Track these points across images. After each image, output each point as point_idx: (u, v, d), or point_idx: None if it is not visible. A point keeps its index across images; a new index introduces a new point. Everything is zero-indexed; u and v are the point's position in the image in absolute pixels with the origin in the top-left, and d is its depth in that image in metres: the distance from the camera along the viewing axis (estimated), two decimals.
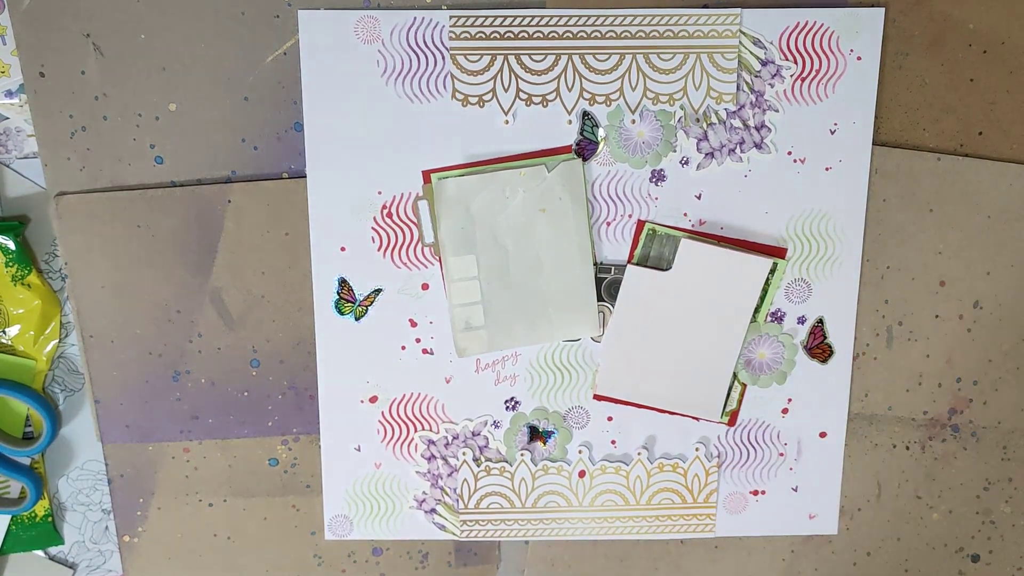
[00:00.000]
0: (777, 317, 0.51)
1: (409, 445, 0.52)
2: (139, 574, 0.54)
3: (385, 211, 0.49)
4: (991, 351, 0.52)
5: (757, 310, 0.51)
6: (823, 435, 0.53)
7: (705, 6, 0.48)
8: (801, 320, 0.51)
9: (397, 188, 0.49)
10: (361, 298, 0.50)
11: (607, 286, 0.50)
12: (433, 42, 0.48)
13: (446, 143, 0.49)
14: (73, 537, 0.54)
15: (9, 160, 0.50)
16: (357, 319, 0.51)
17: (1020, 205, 0.51)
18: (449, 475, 0.53)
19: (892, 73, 0.49)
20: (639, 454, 0.53)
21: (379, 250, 0.50)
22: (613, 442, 0.53)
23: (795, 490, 0.53)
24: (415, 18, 0.47)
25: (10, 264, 0.50)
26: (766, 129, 0.49)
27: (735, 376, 0.52)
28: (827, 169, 0.49)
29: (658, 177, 0.49)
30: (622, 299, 0.50)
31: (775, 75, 0.48)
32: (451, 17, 0.47)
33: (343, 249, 0.50)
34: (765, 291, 0.51)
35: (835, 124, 0.49)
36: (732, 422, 0.52)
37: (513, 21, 0.47)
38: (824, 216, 0.50)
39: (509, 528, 0.53)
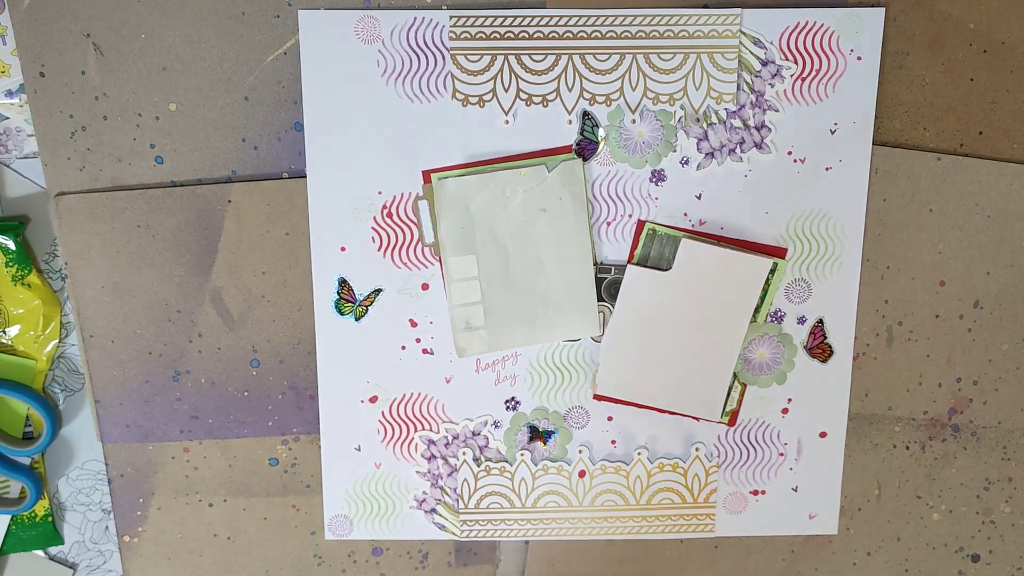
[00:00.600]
0: (777, 317, 0.51)
1: (409, 445, 0.52)
2: (139, 574, 0.54)
3: (385, 211, 0.49)
4: (991, 351, 0.52)
5: (757, 310, 0.51)
6: (823, 435, 0.53)
7: (705, 6, 0.48)
8: (801, 320, 0.51)
9: (397, 188, 0.49)
10: (361, 298, 0.50)
11: (607, 286, 0.50)
12: (433, 42, 0.48)
13: (446, 143, 0.49)
14: (73, 537, 0.54)
15: (9, 160, 0.50)
16: (357, 319, 0.51)
17: (1020, 205, 0.51)
18: (449, 475, 0.53)
19: (892, 73, 0.49)
20: (639, 454, 0.53)
21: (379, 250, 0.50)
22: (613, 442, 0.53)
23: (795, 490, 0.53)
24: (415, 18, 0.47)
25: (10, 264, 0.50)
26: (766, 129, 0.49)
27: (735, 376, 0.52)
28: (827, 169, 0.49)
29: (658, 177, 0.49)
30: (622, 299, 0.50)
31: (775, 75, 0.48)
32: (451, 17, 0.47)
33: (343, 249, 0.50)
34: (765, 291, 0.51)
35: (835, 124, 0.49)
36: (732, 422, 0.52)
37: (513, 21, 0.47)
38: (824, 216, 0.50)
39: (509, 528, 0.53)
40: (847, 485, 0.54)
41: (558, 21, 0.47)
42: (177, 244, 0.50)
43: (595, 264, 0.50)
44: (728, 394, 0.52)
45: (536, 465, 0.53)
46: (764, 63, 0.48)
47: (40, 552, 0.54)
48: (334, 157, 0.49)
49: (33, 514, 0.53)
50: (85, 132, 0.49)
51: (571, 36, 0.48)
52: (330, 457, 0.52)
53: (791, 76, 0.48)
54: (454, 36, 0.48)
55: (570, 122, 0.49)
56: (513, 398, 0.52)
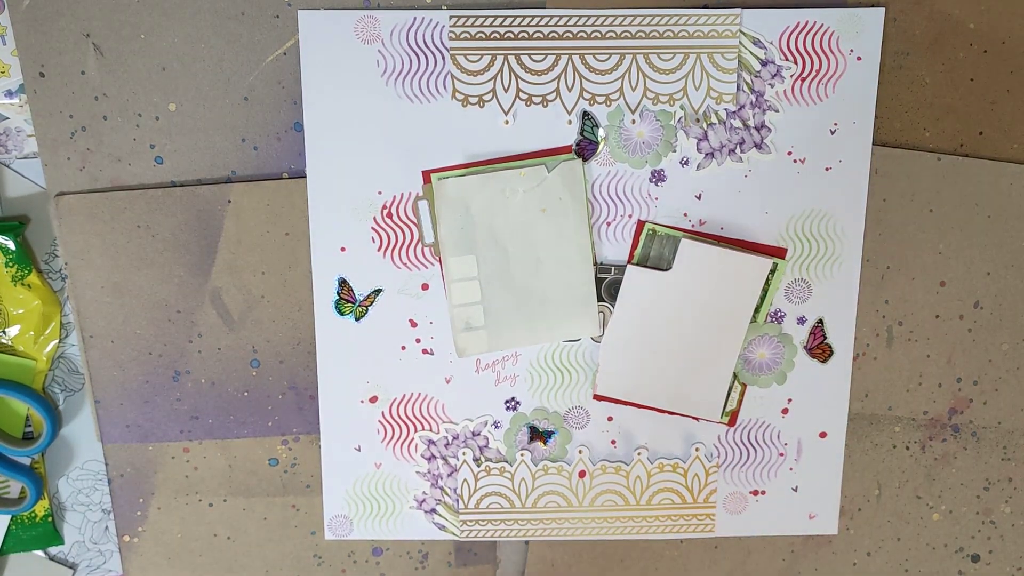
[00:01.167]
0: (777, 317, 0.51)
1: (409, 445, 0.52)
2: (139, 574, 0.54)
3: (385, 211, 0.49)
4: (991, 351, 0.52)
5: (757, 310, 0.51)
6: (823, 435, 0.53)
7: (705, 6, 0.48)
8: (801, 320, 0.51)
9: (397, 188, 0.49)
10: (361, 298, 0.50)
11: (607, 286, 0.50)
12: (433, 42, 0.48)
13: (446, 143, 0.49)
14: (73, 537, 0.54)
15: (9, 160, 0.50)
16: (357, 319, 0.51)
17: (1020, 205, 0.51)
18: (449, 475, 0.53)
19: (892, 73, 0.49)
20: (639, 454, 0.53)
21: (379, 250, 0.50)
22: (613, 442, 0.53)
23: (795, 490, 0.53)
24: (415, 18, 0.47)
25: (10, 264, 0.50)
26: (766, 129, 0.49)
27: (735, 376, 0.52)
28: (827, 169, 0.49)
29: (658, 177, 0.49)
30: (622, 299, 0.50)
31: (775, 75, 0.48)
32: (451, 17, 0.47)
33: (343, 249, 0.50)
34: (765, 291, 0.51)
35: (835, 124, 0.49)
36: (732, 422, 0.52)
37: (513, 21, 0.47)
38: (824, 216, 0.50)
39: (509, 528, 0.53)
40: (847, 485, 0.54)
41: (558, 21, 0.47)
42: (177, 244, 0.50)
43: (595, 264, 0.50)
44: (728, 394, 0.52)
45: (536, 465, 0.53)
46: (764, 63, 0.48)
47: (40, 552, 0.55)
48: (334, 157, 0.49)
49: (33, 514, 0.53)
50: (85, 132, 0.49)
51: (571, 36, 0.48)
52: (330, 457, 0.52)
53: (791, 76, 0.48)
54: (454, 36, 0.48)
55: (570, 122, 0.49)
56: (513, 398, 0.52)
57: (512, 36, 0.48)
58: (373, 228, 0.50)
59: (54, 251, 0.51)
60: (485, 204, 0.49)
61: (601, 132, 0.49)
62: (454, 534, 0.53)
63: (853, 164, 0.49)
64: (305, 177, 0.49)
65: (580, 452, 0.53)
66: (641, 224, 0.50)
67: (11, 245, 0.50)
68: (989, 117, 0.50)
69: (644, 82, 0.48)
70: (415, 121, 0.48)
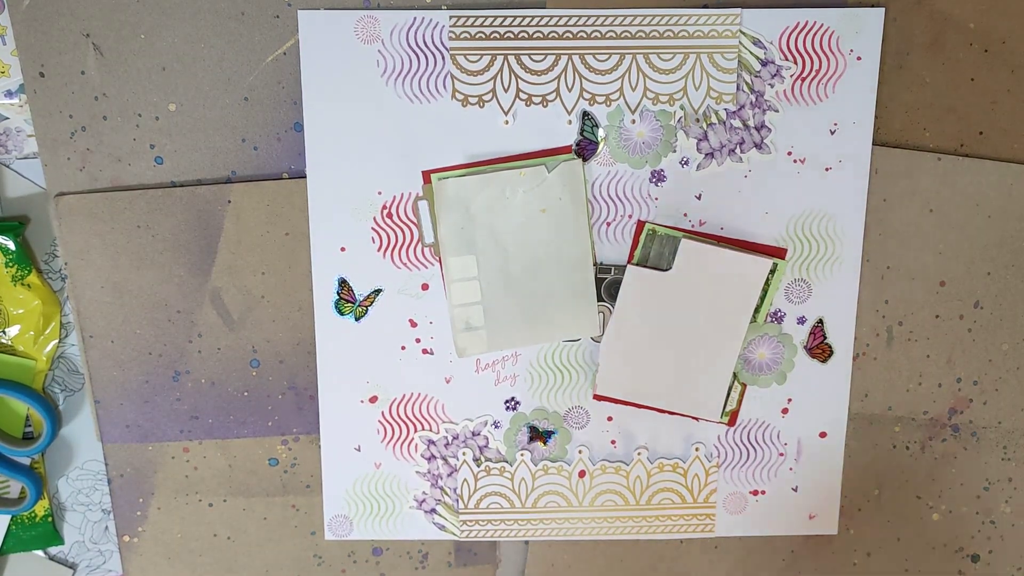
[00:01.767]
0: (777, 317, 0.51)
1: (409, 445, 0.52)
2: (139, 574, 0.54)
3: (385, 211, 0.49)
4: (991, 351, 0.52)
5: (757, 310, 0.51)
6: (823, 435, 0.53)
7: (705, 6, 0.48)
8: (801, 320, 0.51)
9: (397, 188, 0.49)
10: (361, 298, 0.50)
11: (607, 286, 0.50)
12: (433, 42, 0.48)
13: (446, 143, 0.49)
14: (73, 537, 0.54)
15: (9, 160, 0.50)
16: (357, 319, 0.51)
17: (1020, 205, 0.51)
18: (449, 475, 0.53)
19: (892, 73, 0.49)
20: (639, 454, 0.53)
21: (379, 250, 0.50)
22: (613, 442, 0.53)
23: (795, 490, 0.53)
24: (415, 18, 0.47)
25: (10, 264, 0.50)
26: (766, 129, 0.49)
27: (735, 376, 0.52)
28: (827, 169, 0.49)
29: (658, 177, 0.49)
30: (622, 299, 0.50)
31: (775, 75, 0.48)
32: (451, 17, 0.47)
33: (343, 249, 0.50)
34: (765, 291, 0.51)
35: (835, 124, 0.49)
36: (732, 422, 0.52)
37: (513, 21, 0.47)
38: (824, 216, 0.50)
39: (509, 528, 0.53)
40: (847, 485, 0.54)
41: (558, 21, 0.47)
42: (177, 244, 0.50)
43: (595, 264, 0.50)
44: (728, 394, 0.52)
45: (536, 465, 0.53)
46: (764, 63, 0.48)
47: (40, 552, 0.55)
48: (334, 157, 0.49)
49: (33, 514, 0.53)
50: (85, 132, 0.49)
51: (571, 36, 0.48)
52: (330, 457, 0.52)
53: (791, 76, 0.48)
54: (454, 36, 0.48)
55: (570, 122, 0.49)
56: (513, 398, 0.52)
57: (512, 36, 0.48)
58: (373, 228, 0.50)
59: (54, 251, 0.51)
60: (485, 204, 0.49)
61: (601, 132, 0.49)
62: (454, 534, 0.53)
63: (853, 164, 0.49)
64: (305, 177, 0.49)
65: (580, 452, 0.53)
66: (641, 224, 0.50)
67: (11, 245, 0.50)
68: (989, 117, 0.50)
69: (644, 82, 0.48)
70: (415, 121, 0.48)
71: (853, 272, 0.51)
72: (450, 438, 0.52)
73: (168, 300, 0.51)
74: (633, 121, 0.49)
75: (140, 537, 0.54)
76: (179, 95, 0.49)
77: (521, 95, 0.48)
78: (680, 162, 0.49)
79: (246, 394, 0.52)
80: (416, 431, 0.52)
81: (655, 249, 0.50)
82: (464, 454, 0.52)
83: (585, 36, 0.48)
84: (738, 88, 0.48)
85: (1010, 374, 0.53)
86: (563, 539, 0.54)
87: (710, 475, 0.53)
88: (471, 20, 0.47)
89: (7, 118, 0.50)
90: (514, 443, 0.52)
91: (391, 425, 0.52)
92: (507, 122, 0.48)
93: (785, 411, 0.52)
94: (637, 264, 0.50)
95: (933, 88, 0.49)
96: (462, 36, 0.48)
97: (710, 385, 0.51)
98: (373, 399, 0.52)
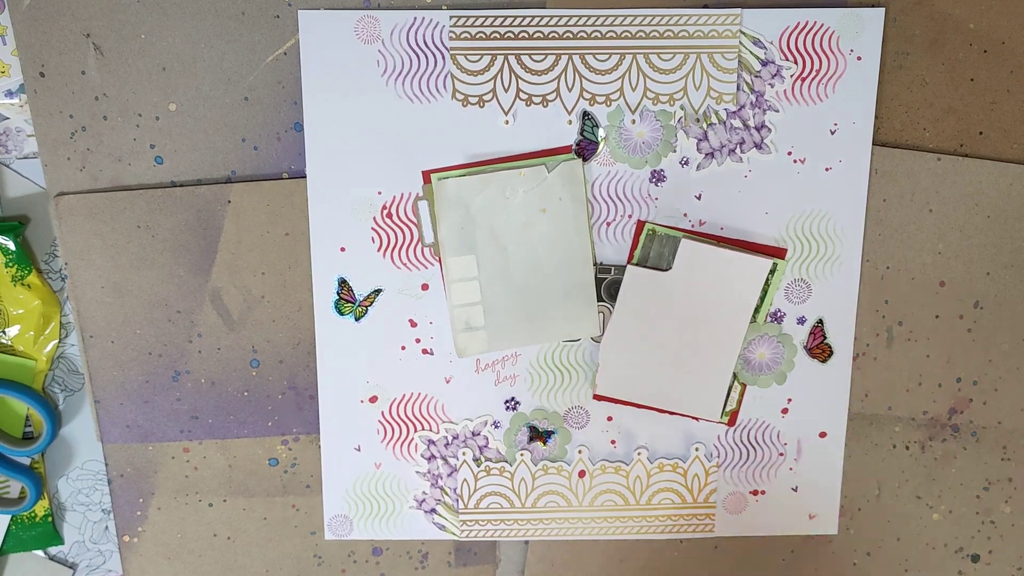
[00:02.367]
0: (777, 317, 0.51)
1: (409, 445, 0.52)
2: (139, 574, 0.54)
3: (385, 211, 0.49)
4: (991, 351, 0.52)
5: (757, 310, 0.51)
6: (823, 435, 0.53)
7: (705, 6, 0.48)
8: (801, 320, 0.51)
9: (397, 188, 0.49)
10: (361, 298, 0.50)
11: (607, 286, 0.50)
12: (433, 42, 0.48)
13: (446, 143, 0.49)
14: (73, 537, 0.54)
15: (9, 160, 0.50)
16: (357, 319, 0.51)
17: (1020, 205, 0.51)
18: (449, 475, 0.53)
19: (892, 73, 0.49)
20: (639, 454, 0.53)
21: (379, 250, 0.50)
22: (613, 442, 0.53)
23: (795, 490, 0.53)
24: (415, 18, 0.47)
25: (10, 264, 0.50)
26: (766, 129, 0.49)
27: (735, 376, 0.52)
28: (827, 169, 0.49)
29: (658, 177, 0.49)
30: (622, 299, 0.50)
31: (775, 75, 0.48)
32: (451, 17, 0.47)
33: (343, 249, 0.50)
34: (765, 291, 0.51)
35: (835, 124, 0.49)
36: (732, 422, 0.52)
37: (513, 21, 0.47)
38: (824, 216, 0.50)
39: (509, 528, 0.53)
40: (847, 485, 0.54)
41: (558, 21, 0.47)
42: (177, 244, 0.50)
43: (595, 264, 0.50)
44: (728, 394, 0.52)
45: (536, 465, 0.53)
46: (764, 63, 0.48)
47: (40, 552, 0.55)
48: (334, 157, 0.49)
49: (33, 514, 0.53)
50: (85, 132, 0.49)
51: (571, 36, 0.48)
52: (330, 457, 0.52)
53: (791, 76, 0.48)
54: (454, 36, 0.48)
55: (570, 122, 0.49)
56: (513, 398, 0.52)
57: (512, 36, 0.48)
58: (373, 228, 0.50)
59: (54, 251, 0.51)
60: (485, 204, 0.49)
61: (601, 132, 0.49)
62: (454, 534, 0.53)
63: (853, 164, 0.49)
64: (305, 177, 0.49)
65: (580, 452, 0.53)
66: (641, 224, 0.50)
67: (11, 245, 0.50)
68: (989, 117, 0.50)
69: (644, 82, 0.48)
70: (415, 121, 0.48)
71: (853, 272, 0.51)
72: (450, 438, 0.52)
73: (168, 300, 0.51)
74: (633, 121, 0.49)
75: (140, 537, 0.54)
76: (179, 95, 0.49)
77: (521, 95, 0.48)
78: (680, 162, 0.49)
79: (246, 394, 0.52)
80: (416, 431, 0.52)
81: (655, 249, 0.50)
82: (464, 454, 0.52)
83: (585, 36, 0.48)
84: (738, 88, 0.48)
85: (1010, 374, 0.53)
86: (563, 539, 0.54)
87: (710, 475, 0.53)
88: (471, 20, 0.47)
89: (7, 118, 0.50)
90: (514, 443, 0.52)
91: (391, 425, 0.52)
92: (507, 122, 0.48)
93: (785, 411, 0.52)
94: (637, 264, 0.50)
95: (933, 88, 0.49)
96: (462, 36, 0.48)
97: (710, 385, 0.51)
98: (373, 399, 0.52)
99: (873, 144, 0.49)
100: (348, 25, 0.47)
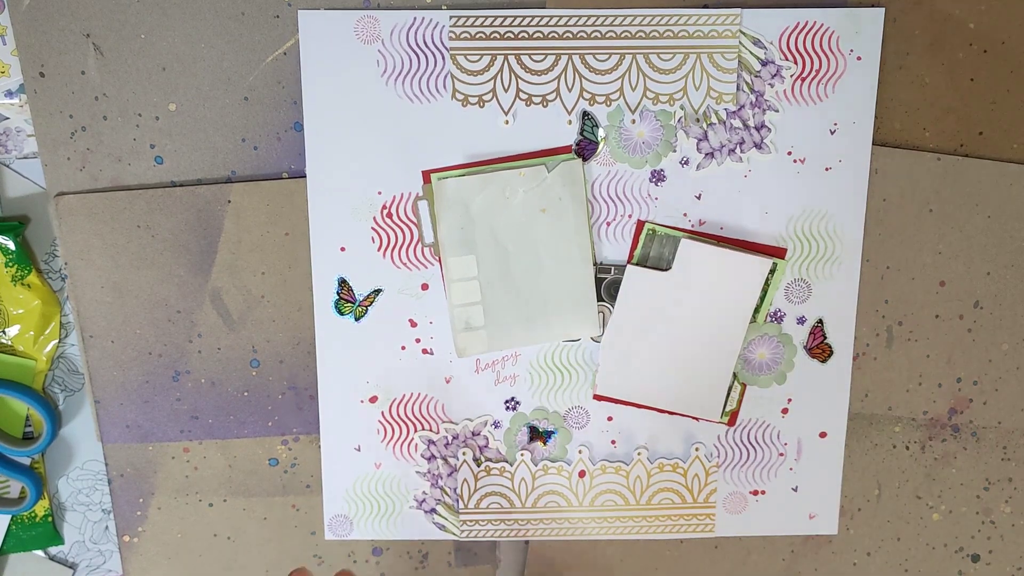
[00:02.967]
0: (777, 317, 0.51)
1: (409, 445, 0.52)
2: (139, 574, 0.54)
3: (385, 211, 0.49)
4: (991, 351, 0.52)
5: (757, 310, 0.51)
6: (823, 435, 0.53)
7: (705, 6, 0.48)
8: (801, 320, 0.51)
9: (397, 188, 0.49)
10: (361, 298, 0.50)
11: (607, 286, 0.50)
12: (433, 42, 0.48)
13: (446, 143, 0.49)
14: (73, 537, 0.54)
15: (9, 160, 0.50)
16: (357, 319, 0.51)
17: (1020, 205, 0.51)
18: (449, 475, 0.53)
19: (892, 73, 0.49)
20: (639, 454, 0.53)
21: (379, 250, 0.50)
22: (613, 442, 0.53)
23: (795, 490, 0.53)
24: (415, 18, 0.47)
25: (10, 264, 0.50)
26: (766, 129, 0.49)
27: (735, 376, 0.52)
28: (827, 169, 0.49)
29: (658, 177, 0.49)
30: (622, 299, 0.50)
31: (775, 75, 0.48)
32: (451, 17, 0.47)
33: (343, 249, 0.50)
34: (765, 291, 0.51)
35: (835, 124, 0.49)
36: (732, 422, 0.52)
37: (513, 21, 0.47)
38: (824, 216, 0.50)
39: (509, 528, 0.53)
40: (847, 485, 0.54)
41: (558, 21, 0.47)
42: (177, 244, 0.50)
43: (595, 264, 0.50)
44: (728, 394, 0.52)
45: (536, 465, 0.53)
46: (764, 63, 0.48)
47: (40, 552, 0.55)
48: (334, 157, 0.49)
49: (33, 514, 0.53)
50: (85, 132, 0.49)
51: (571, 36, 0.48)
52: (330, 457, 0.52)
53: (791, 76, 0.48)
54: (454, 36, 0.48)
55: (570, 122, 0.49)
56: (513, 398, 0.52)
57: (512, 36, 0.48)
58: (373, 228, 0.50)
59: (54, 251, 0.51)
60: (485, 204, 0.49)
61: (601, 132, 0.49)
62: (454, 534, 0.53)
63: (853, 164, 0.49)
64: (305, 177, 0.49)
65: (580, 452, 0.53)
66: (641, 224, 0.50)
67: (11, 245, 0.50)
68: (989, 117, 0.50)
69: (644, 82, 0.48)
70: (415, 121, 0.48)
71: (853, 272, 0.51)
72: (450, 438, 0.52)
73: (168, 300, 0.51)
74: (633, 121, 0.49)
75: (140, 537, 0.54)
76: (179, 95, 0.49)
77: (521, 95, 0.48)
78: (680, 162, 0.49)
79: (246, 394, 0.52)
80: (416, 431, 0.52)
81: (655, 249, 0.50)
82: (464, 454, 0.52)
83: (585, 36, 0.48)
84: (738, 88, 0.48)
85: (1010, 374, 0.53)
86: (563, 539, 0.54)
87: (710, 475, 0.53)
88: (471, 20, 0.47)
89: (7, 118, 0.50)
90: (514, 443, 0.52)
91: (391, 425, 0.52)
92: (507, 122, 0.48)
93: (785, 411, 0.52)
94: (637, 264, 0.50)
95: (933, 88, 0.49)
96: (462, 36, 0.48)
97: (710, 385, 0.51)
98: (373, 399, 0.52)
99: (873, 144, 0.49)
100: (348, 25, 0.47)
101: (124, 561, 0.54)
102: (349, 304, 0.50)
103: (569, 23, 0.47)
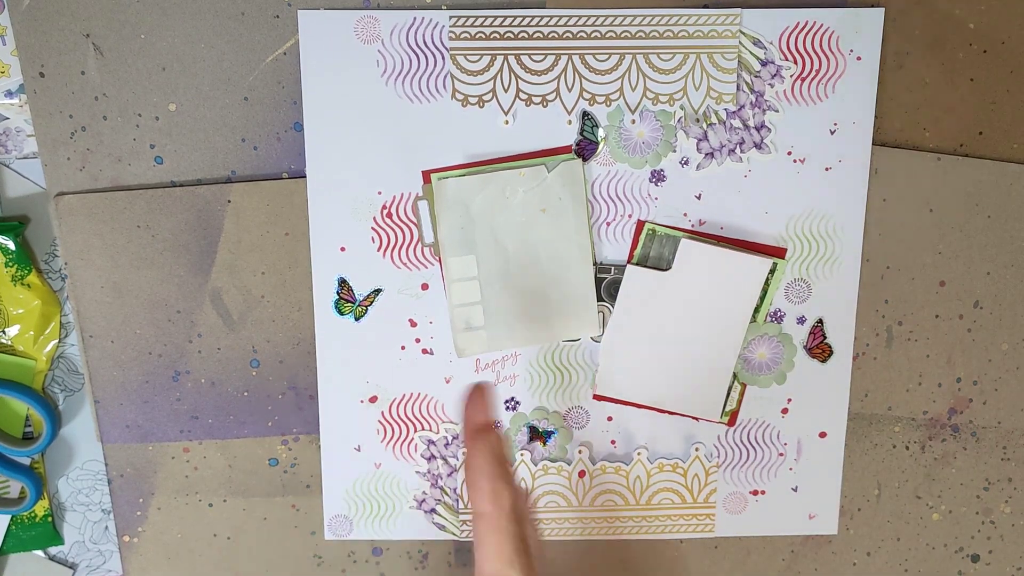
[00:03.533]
0: (777, 317, 0.51)
1: (409, 445, 0.52)
2: (139, 574, 0.54)
3: (385, 211, 0.49)
4: (991, 351, 0.52)
5: (757, 310, 0.51)
6: (823, 435, 0.53)
7: (705, 6, 0.48)
8: (801, 320, 0.51)
9: (397, 188, 0.49)
10: (361, 298, 0.50)
11: (607, 286, 0.50)
12: (433, 42, 0.48)
13: (446, 143, 0.49)
14: (73, 537, 0.54)
15: (9, 160, 0.50)
16: (357, 319, 0.51)
17: (1020, 205, 0.51)
18: (449, 475, 0.53)
19: (892, 73, 0.49)
20: (639, 454, 0.53)
21: (379, 250, 0.50)
22: (613, 442, 0.53)
23: (795, 490, 0.53)
24: (415, 18, 0.47)
25: (10, 264, 0.50)
26: (766, 129, 0.49)
27: (735, 376, 0.52)
28: (827, 169, 0.49)
29: (658, 177, 0.49)
30: (622, 299, 0.50)
31: (775, 75, 0.48)
32: (451, 17, 0.47)
33: (343, 249, 0.50)
34: (765, 291, 0.51)
35: (835, 124, 0.49)
36: (732, 422, 0.52)
37: (513, 21, 0.47)
38: (824, 216, 0.50)
39: None
40: (847, 485, 0.54)
41: (558, 21, 0.47)
42: (177, 244, 0.50)
43: (595, 264, 0.50)
44: (728, 394, 0.52)
45: (536, 465, 0.53)
46: (764, 63, 0.48)
47: (40, 552, 0.55)
48: (334, 157, 0.49)
49: (33, 514, 0.53)
50: (85, 132, 0.49)
51: (571, 36, 0.48)
52: (330, 457, 0.52)
53: (791, 76, 0.48)
54: (454, 36, 0.48)
55: (570, 122, 0.49)
56: (513, 398, 0.52)
57: (512, 36, 0.48)
58: (373, 228, 0.50)
59: (54, 251, 0.51)
60: (485, 204, 0.49)
61: (601, 132, 0.49)
62: (454, 534, 0.53)
63: (853, 164, 0.49)
64: (305, 177, 0.49)
65: (580, 452, 0.53)
66: (641, 224, 0.50)
67: (11, 245, 0.50)
68: (989, 117, 0.50)
69: (644, 82, 0.48)
70: (415, 121, 0.48)
71: (853, 272, 0.51)
72: (450, 438, 0.52)
73: (168, 300, 0.51)
74: (633, 121, 0.49)
75: (140, 537, 0.54)
76: (179, 95, 0.49)
77: (521, 95, 0.48)
78: (680, 162, 0.49)
79: (246, 394, 0.52)
80: (416, 431, 0.52)
81: (655, 249, 0.50)
82: (464, 454, 0.52)
83: (585, 36, 0.48)
84: (738, 88, 0.48)
85: (1010, 374, 0.53)
86: (563, 539, 0.54)
87: (710, 475, 0.53)
88: (471, 20, 0.47)
89: (7, 118, 0.50)
90: (514, 443, 0.52)
91: (391, 425, 0.52)
92: (507, 122, 0.48)
93: (785, 411, 0.52)
94: (637, 264, 0.50)
95: (933, 88, 0.49)
96: (462, 36, 0.48)
97: (710, 385, 0.51)
98: (373, 399, 0.52)
99: (873, 144, 0.49)
100: (348, 25, 0.47)
101: (124, 561, 0.54)
102: (349, 304, 0.50)
103: (569, 23, 0.47)
